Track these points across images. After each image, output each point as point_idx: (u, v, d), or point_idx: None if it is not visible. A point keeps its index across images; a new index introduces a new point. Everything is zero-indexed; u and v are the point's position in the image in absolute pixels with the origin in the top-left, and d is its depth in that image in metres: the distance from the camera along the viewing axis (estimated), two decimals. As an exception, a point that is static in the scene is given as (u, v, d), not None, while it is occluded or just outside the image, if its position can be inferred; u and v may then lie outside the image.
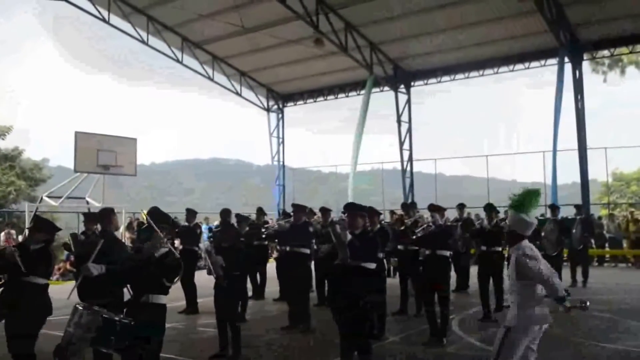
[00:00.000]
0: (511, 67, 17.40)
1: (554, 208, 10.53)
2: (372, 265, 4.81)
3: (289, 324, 7.26)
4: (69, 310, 3.91)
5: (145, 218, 4.49)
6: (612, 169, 27.56)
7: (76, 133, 14.98)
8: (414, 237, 6.97)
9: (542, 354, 3.91)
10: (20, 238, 14.05)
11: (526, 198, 3.73)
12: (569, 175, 17.46)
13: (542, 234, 9.48)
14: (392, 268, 12.57)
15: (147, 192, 71.52)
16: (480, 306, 7.66)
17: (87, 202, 15.81)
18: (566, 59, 15.34)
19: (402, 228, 8.16)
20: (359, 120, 17.82)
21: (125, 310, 4.12)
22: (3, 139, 24.59)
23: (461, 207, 10.33)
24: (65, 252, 13.35)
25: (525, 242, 3.73)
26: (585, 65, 17.22)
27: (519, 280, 3.62)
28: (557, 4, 13.90)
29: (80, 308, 3.86)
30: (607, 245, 15.56)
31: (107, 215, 5.35)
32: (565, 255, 11.11)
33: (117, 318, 3.84)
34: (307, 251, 7.57)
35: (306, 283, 7.73)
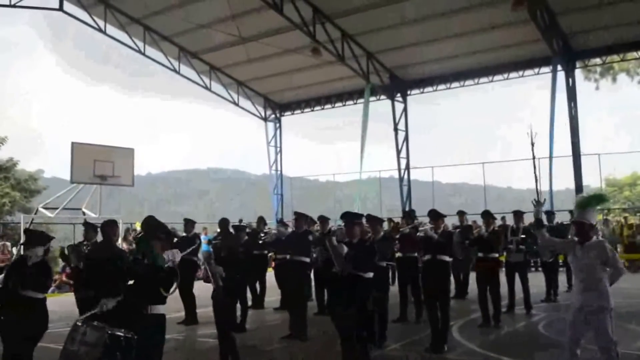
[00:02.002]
0: (505, 75, 17.60)
1: (549, 214, 10.60)
2: (369, 274, 4.82)
3: (290, 332, 7.27)
4: (64, 322, 3.88)
5: (140, 228, 4.50)
6: (605, 174, 27.72)
7: (72, 144, 14.95)
8: (418, 233, 7.02)
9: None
10: (14, 250, 13.96)
11: (593, 197, 4.66)
12: (562, 181, 17.59)
13: (539, 240, 9.51)
14: (391, 275, 12.58)
15: (144, 202, 71.25)
16: (480, 312, 7.69)
17: (84, 213, 15.75)
18: (559, 67, 15.53)
19: (398, 236, 8.21)
20: (362, 131, 17.93)
21: (125, 322, 4.10)
22: (-2, 150, 24.45)
23: (461, 214, 10.37)
24: (62, 264, 13.30)
25: None
26: (578, 72, 17.44)
27: (603, 265, 4.31)
28: (550, 13, 14.10)
29: (82, 325, 3.82)
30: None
31: (110, 227, 5.51)
32: (561, 260, 11.17)
33: (120, 333, 3.82)
34: (307, 260, 7.58)
35: (304, 291, 7.74)
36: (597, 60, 17.69)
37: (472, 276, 8.92)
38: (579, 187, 15.79)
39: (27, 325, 4.49)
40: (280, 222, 10.94)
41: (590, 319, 4.26)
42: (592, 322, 4.26)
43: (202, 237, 15.72)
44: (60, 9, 16.09)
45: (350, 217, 5.08)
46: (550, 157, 15.19)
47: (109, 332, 3.77)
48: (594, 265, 4.30)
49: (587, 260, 4.32)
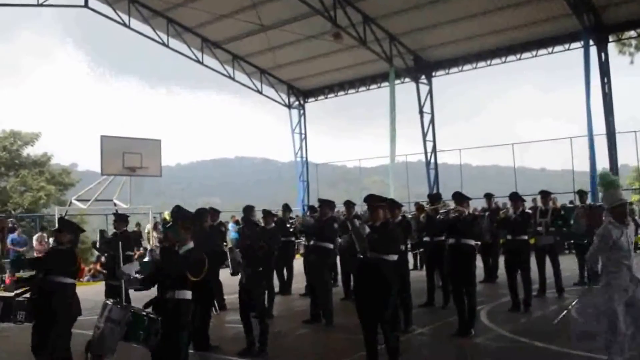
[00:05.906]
0: (534, 52, 17.06)
1: (582, 194, 10.28)
2: (393, 257, 4.78)
3: (311, 318, 7.31)
4: (98, 310, 4.02)
5: (169, 217, 4.64)
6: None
7: (102, 137, 15.30)
8: (438, 216, 6.91)
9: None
10: (51, 241, 14.44)
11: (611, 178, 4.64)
12: (598, 160, 16.99)
13: (571, 221, 9.27)
14: (419, 260, 12.51)
15: (173, 192, 72.65)
16: (509, 297, 7.56)
17: (115, 204, 16.14)
18: (591, 42, 14.94)
19: (423, 216, 8.10)
20: (390, 115, 17.74)
21: (152, 306, 4.22)
22: (32, 146, 25.26)
23: (489, 197, 10.14)
24: (96, 254, 13.72)
25: None
26: (612, 47, 16.72)
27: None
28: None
29: (110, 304, 3.99)
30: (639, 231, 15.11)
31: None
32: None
33: (144, 313, 3.95)
34: (331, 246, 7.57)
35: (328, 277, 7.75)
36: (632, 33, 16.92)
37: (502, 260, 8.76)
38: (614, 166, 15.26)
39: (57, 308, 4.61)
40: (311, 209, 10.94)
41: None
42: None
43: (231, 225, 15.95)
44: (86, 5, 16.38)
45: (373, 200, 5.02)
46: (590, 136, 14.65)
47: (132, 310, 3.90)
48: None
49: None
